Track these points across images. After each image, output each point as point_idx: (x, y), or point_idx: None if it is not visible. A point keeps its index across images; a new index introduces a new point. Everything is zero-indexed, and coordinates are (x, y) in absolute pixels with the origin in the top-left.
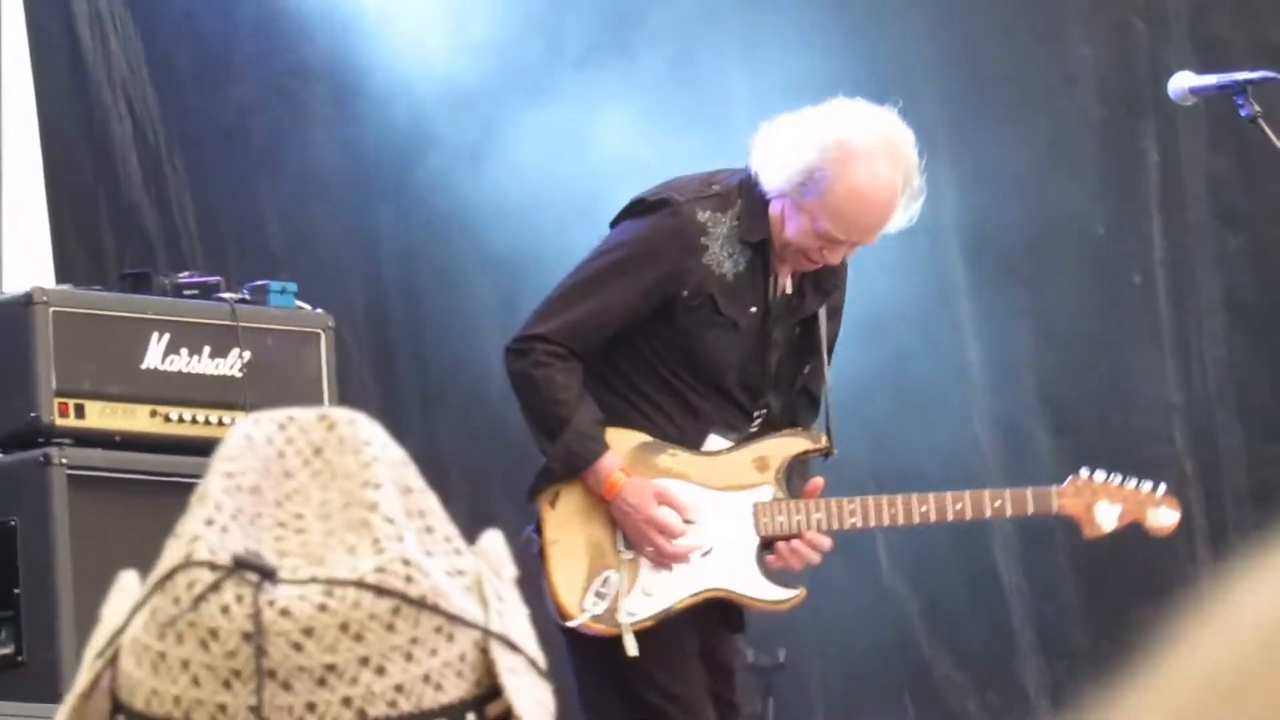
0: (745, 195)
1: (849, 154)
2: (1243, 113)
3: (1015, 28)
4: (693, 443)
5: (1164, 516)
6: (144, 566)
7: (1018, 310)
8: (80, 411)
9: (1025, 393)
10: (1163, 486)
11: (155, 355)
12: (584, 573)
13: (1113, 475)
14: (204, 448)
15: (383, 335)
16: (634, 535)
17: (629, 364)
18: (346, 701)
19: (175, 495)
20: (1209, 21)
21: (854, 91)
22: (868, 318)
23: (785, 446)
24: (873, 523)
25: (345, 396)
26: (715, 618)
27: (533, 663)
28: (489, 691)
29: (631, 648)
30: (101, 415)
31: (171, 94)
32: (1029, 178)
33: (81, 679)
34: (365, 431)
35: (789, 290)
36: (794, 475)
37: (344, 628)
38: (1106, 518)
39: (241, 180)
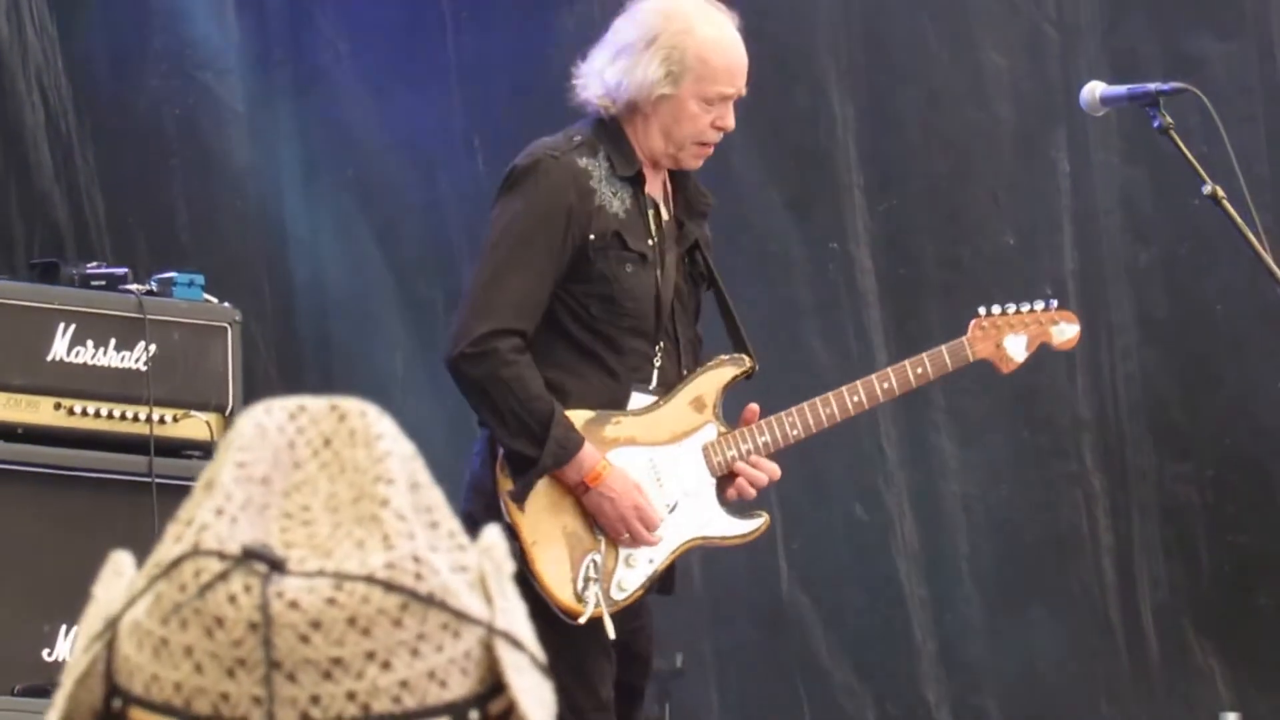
0: (605, 135)
1: (686, 17)
2: (1154, 124)
3: (927, 34)
4: (622, 403)
5: (1066, 331)
6: (44, 559)
7: (927, 320)
8: None
9: (933, 404)
10: (1054, 301)
11: (61, 347)
12: (569, 565)
13: (1006, 306)
14: (108, 442)
15: (289, 328)
16: (611, 521)
17: (543, 340)
18: (351, 696)
19: (78, 489)
20: (1122, 31)
21: (765, 96)
22: (776, 325)
23: (714, 380)
24: (814, 427)
25: (250, 391)
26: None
27: (535, 660)
28: (492, 689)
29: (611, 631)
30: (5, 407)
31: (84, 84)
32: (939, 186)
33: (80, 662)
34: (377, 424)
35: (666, 219)
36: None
37: (352, 622)
38: (1017, 350)
39: (152, 172)
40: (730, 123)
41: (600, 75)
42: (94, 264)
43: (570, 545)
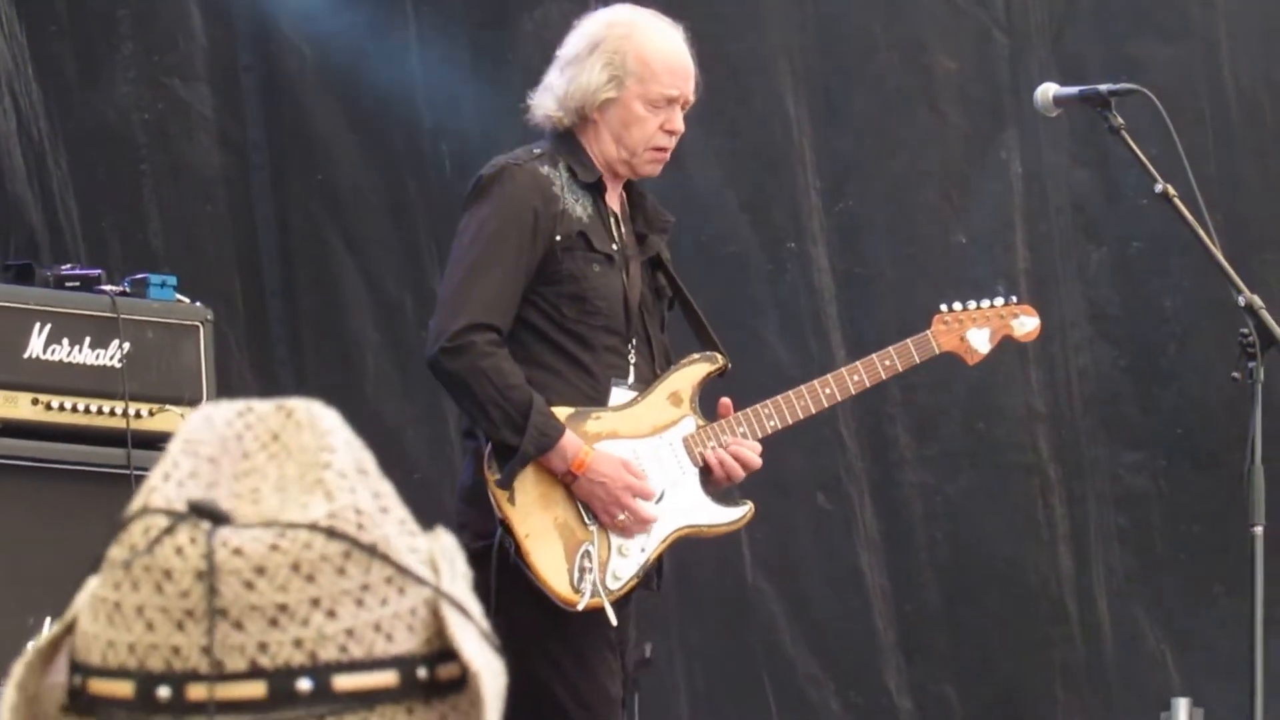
0: (563, 147)
1: (627, 23)
2: (1106, 125)
3: (878, 39)
4: (602, 400)
5: (1027, 323)
6: (26, 550)
7: (883, 317)
8: None
9: (890, 399)
10: (1013, 297)
11: (37, 345)
12: (563, 556)
13: (967, 302)
14: (85, 435)
15: (261, 329)
16: (606, 505)
17: (520, 343)
18: (298, 643)
19: (57, 482)
20: (1070, 34)
21: (722, 100)
22: (735, 324)
23: (689, 375)
24: (789, 419)
25: (223, 389)
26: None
27: (484, 633)
28: (441, 652)
29: (613, 617)
30: None
31: (55, 91)
32: (894, 187)
33: (41, 639)
34: (323, 413)
35: (626, 231)
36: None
37: (295, 567)
38: (980, 342)
39: (123, 177)
40: (679, 125)
41: (551, 90)
42: (68, 266)
43: (564, 537)
